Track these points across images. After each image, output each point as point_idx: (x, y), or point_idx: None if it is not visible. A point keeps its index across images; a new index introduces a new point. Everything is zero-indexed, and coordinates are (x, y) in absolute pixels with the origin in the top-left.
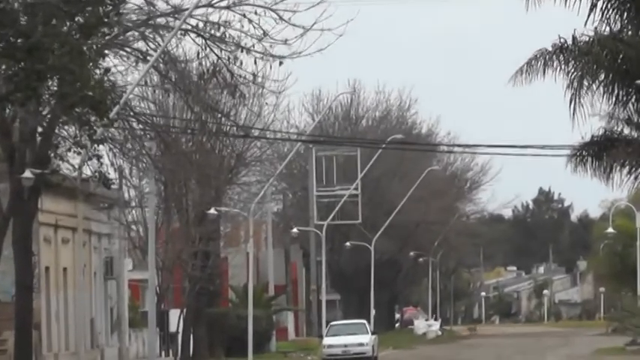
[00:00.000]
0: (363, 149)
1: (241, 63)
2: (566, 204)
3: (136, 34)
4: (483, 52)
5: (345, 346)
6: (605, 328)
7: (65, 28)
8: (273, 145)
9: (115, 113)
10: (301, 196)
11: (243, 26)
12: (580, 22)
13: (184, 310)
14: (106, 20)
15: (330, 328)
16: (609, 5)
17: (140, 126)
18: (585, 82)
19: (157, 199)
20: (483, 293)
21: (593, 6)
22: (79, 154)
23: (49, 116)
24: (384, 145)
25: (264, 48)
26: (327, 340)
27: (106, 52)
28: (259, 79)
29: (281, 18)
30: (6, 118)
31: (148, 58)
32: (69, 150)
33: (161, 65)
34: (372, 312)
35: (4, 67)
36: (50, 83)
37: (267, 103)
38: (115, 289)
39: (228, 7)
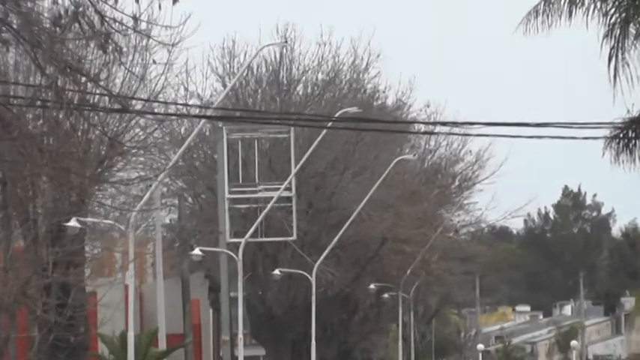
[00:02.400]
0: (298, 130)
1: (116, 1)
2: (604, 211)
3: None
4: None
5: None
6: None
7: None
8: (165, 124)
9: None
10: (206, 200)
11: None
12: None
13: None
14: None
15: None
16: None
17: None
18: (632, 29)
19: None
20: (481, 346)
21: None
22: None
23: None
24: (330, 124)
25: None
26: None
27: None
28: (143, 25)
29: None
30: None
31: None
32: None
33: None
34: None
35: None
36: None
37: (154, 62)
38: None
39: None
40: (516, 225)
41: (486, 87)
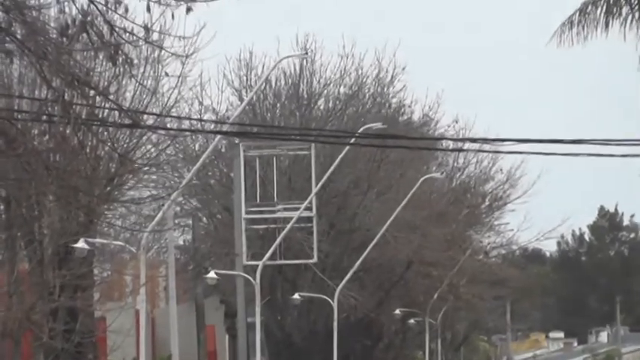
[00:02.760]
0: (319, 146)
1: (126, 10)
2: None
3: None
4: None
5: None
6: None
7: None
8: (178, 140)
9: None
10: (222, 220)
11: None
12: None
13: None
14: None
15: None
16: None
17: None
18: None
19: None
20: None
21: None
22: None
23: None
24: (352, 140)
25: None
26: None
27: None
28: (154, 36)
29: None
30: None
31: None
32: None
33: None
34: None
35: None
36: None
37: (167, 74)
38: None
39: None
40: (549, 247)
41: (518, 101)
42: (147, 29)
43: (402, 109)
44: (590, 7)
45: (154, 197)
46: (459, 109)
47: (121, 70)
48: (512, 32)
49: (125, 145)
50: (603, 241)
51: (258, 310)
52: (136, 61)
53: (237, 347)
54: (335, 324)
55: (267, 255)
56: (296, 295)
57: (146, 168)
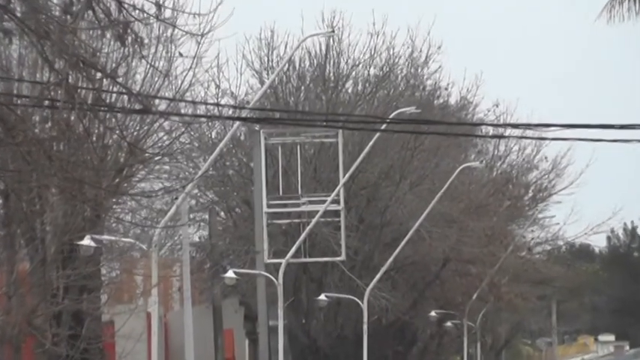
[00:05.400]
0: (347, 133)
1: None
2: None
3: None
4: None
5: None
6: None
7: None
8: (193, 127)
9: None
10: (242, 215)
11: None
12: None
13: None
14: None
15: None
16: None
17: None
18: None
19: None
20: None
21: None
22: None
23: None
24: (384, 127)
25: None
26: None
27: None
28: (167, 13)
29: None
30: None
31: None
32: None
33: None
34: None
35: None
36: None
37: (181, 55)
38: None
39: None
40: (599, 242)
41: (564, 84)
42: (159, 6)
43: (438, 92)
44: None
45: (167, 190)
46: (500, 92)
47: (131, 50)
48: (557, 7)
49: (135, 133)
50: None
51: (280, 312)
52: (146, 41)
53: (257, 353)
54: (365, 327)
55: (291, 252)
56: (322, 296)
57: (158, 158)
